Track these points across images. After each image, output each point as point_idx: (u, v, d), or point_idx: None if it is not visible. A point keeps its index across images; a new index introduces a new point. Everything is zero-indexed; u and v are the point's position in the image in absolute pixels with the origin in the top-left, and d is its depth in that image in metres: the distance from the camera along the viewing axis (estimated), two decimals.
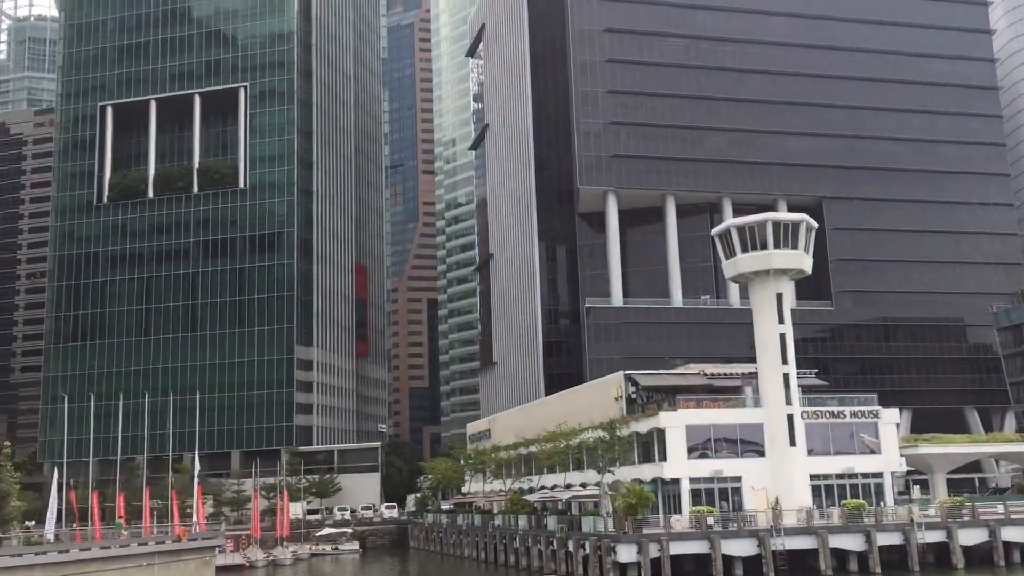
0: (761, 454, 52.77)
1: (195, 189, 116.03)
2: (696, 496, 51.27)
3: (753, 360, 55.83)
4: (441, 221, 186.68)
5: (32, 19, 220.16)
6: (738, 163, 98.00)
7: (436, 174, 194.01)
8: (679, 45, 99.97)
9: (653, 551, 45.02)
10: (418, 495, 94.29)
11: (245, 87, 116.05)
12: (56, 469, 63.62)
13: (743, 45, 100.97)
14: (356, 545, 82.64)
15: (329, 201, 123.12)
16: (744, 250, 54.17)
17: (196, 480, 63.55)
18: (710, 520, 47.20)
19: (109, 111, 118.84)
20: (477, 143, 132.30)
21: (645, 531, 46.67)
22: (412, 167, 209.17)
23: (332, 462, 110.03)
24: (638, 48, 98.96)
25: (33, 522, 68.43)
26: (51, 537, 44.39)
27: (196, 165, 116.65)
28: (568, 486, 60.19)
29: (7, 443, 49.63)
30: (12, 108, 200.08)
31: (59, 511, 55.02)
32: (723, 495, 51.60)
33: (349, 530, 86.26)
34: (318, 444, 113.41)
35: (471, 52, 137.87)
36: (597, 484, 53.28)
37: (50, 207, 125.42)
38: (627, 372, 63.53)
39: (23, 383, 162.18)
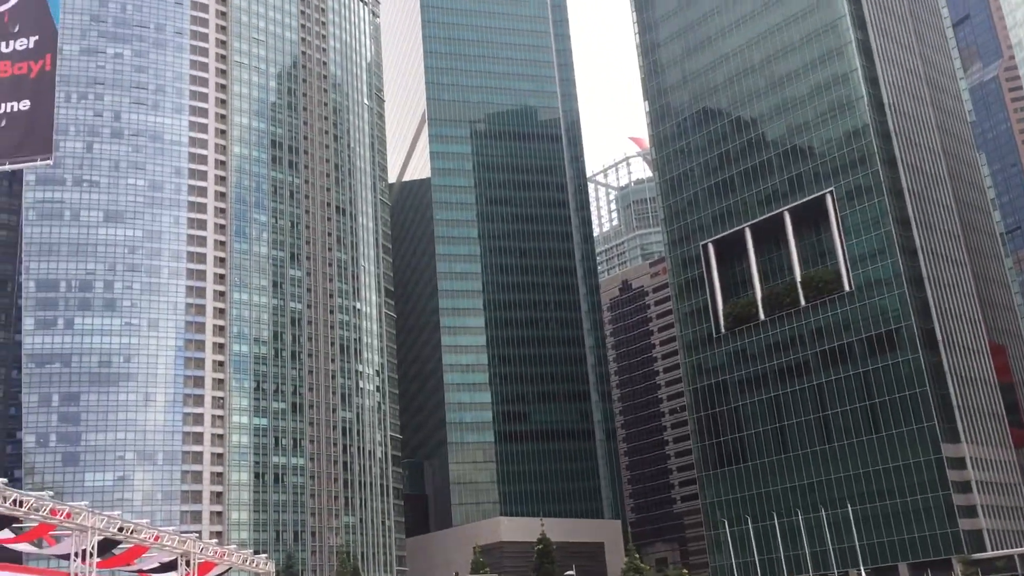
0: None
1: (801, 302, 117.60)
2: None
3: None
4: None
5: (632, 184, 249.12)
6: None
7: None
8: None
9: None
10: None
11: (831, 192, 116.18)
12: None
13: None
14: None
15: (943, 285, 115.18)
16: None
17: None
18: None
19: (711, 248, 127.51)
20: None
21: None
22: None
23: (1014, 568, 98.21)
24: None
25: None
26: None
27: (798, 279, 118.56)
28: None
29: (684, 571, 53.49)
30: (630, 265, 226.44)
31: None
32: None
33: None
34: (992, 550, 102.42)
35: None
36: None
37: (678, 345, 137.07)
38: None
39: (686, 511, 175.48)
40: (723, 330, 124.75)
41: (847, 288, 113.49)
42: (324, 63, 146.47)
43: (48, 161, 19.74)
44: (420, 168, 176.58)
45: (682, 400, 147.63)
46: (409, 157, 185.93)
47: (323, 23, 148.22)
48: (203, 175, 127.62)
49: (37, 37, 20.48)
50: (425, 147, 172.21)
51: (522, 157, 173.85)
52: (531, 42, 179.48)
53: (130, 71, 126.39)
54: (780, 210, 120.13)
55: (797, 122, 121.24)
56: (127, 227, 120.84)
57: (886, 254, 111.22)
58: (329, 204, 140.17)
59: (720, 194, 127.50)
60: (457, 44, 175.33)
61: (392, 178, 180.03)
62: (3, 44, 20.59)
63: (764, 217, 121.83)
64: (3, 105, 19.53)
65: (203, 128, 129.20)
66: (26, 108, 19.69)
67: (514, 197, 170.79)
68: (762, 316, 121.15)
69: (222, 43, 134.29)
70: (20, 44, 20.49)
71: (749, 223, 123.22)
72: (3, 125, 18.98)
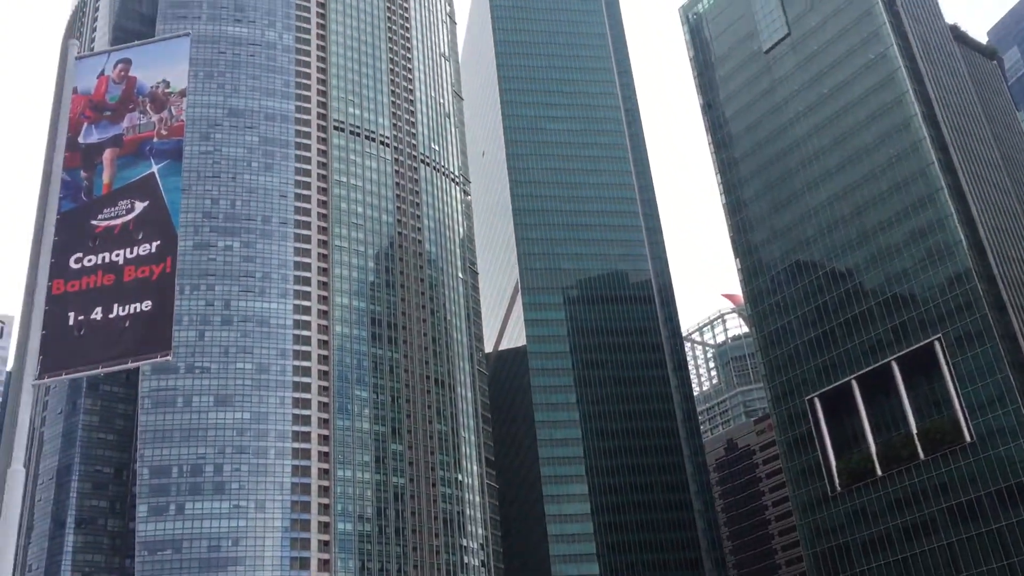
0: None
1: (920, 455, 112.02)
2: None
3: None
4: None
5: (729, 341, 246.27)
6: None
7: None
8: None
9: None
10: None
11: (939, 339, 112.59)
12: None
13: None
14: None
15: None
16: None
17: None
18: None
19: (817, 402, 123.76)
20: None
21: None
22: None
23: None
24: None
25: None
26: None
27: (913, 430, 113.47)
28: None
29: None
30: (734, 423, 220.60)
31: None
32: None
33: None
34: None
35: None
36: None
37: (791, 507, 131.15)
38: None
39: None
40: (838, 488, 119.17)
41: (968, 439, 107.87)
42: (419, 241, 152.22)
43: (168, 357, 20.84)
44: (515, 337, 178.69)
45: (802, 566, 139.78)
46: (504, 327, 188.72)
47: (417, 204, 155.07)
48: (306, 355, 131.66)
49: (159, 242, 21.94)
50: (519, 316, 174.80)
51: (616, 320, 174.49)
52: (618, 208, 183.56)
53: (239, 261, 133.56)
54: (887, 360, 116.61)
55: (895, 270, 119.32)
56: (236, 410, 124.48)
57: (1006, 401, 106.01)
58: (428, 377, 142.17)
59: (822, 347, 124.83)
60: (545, 215, 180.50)
61: (488, 348, 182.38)
62: (127, 250, 22.11)
63: (870, 368, 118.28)
64: (127, 307, 20.80)
65: (306, 310, 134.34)
66: (148, 308, 20.91)
67: (610, 360, 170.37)
68: (879, 472, 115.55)
69: (323, 229, 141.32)
70: (143, 250, 21.97)
71: (855, 375, 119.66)
72: (127, 326, 20.19)
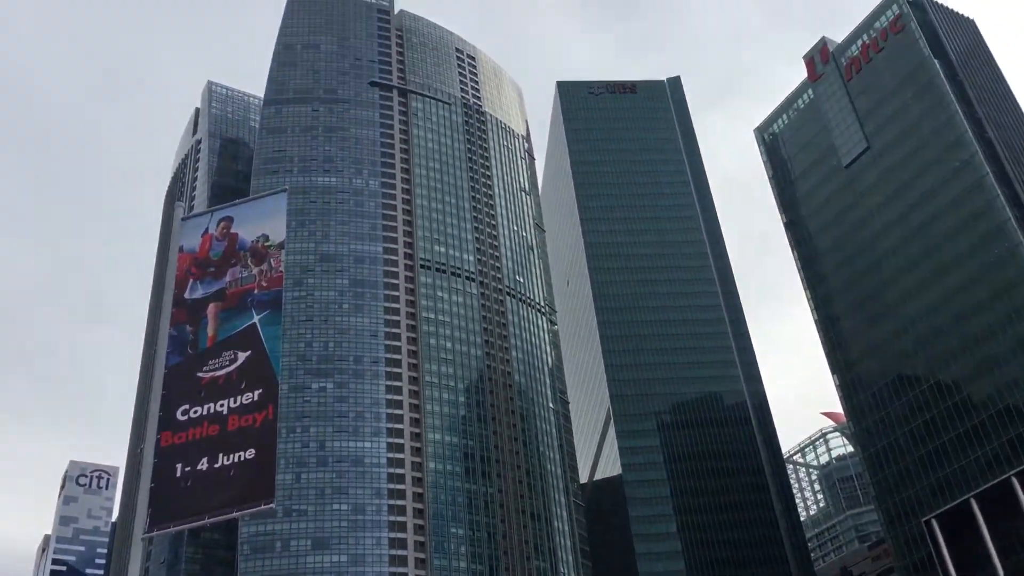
0: None
1: None
2: None
3: None
4: None
5: (833, 461, 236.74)
6: None
7: None
8: None
9: None
10: None
11: None
12: None
13: None
14: None
15: None
16: None
17: None
18: None
19: (935, 524, 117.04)
20: None
21: None
22: None
23: None
24: None
25: None
26: None
27: None
28: None
29: None
30: (846, 549, 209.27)
31: None
32: None
33: None
34: None
35: None
36: None
37: None
38: None
39: None
40: None
41: None
42: (509, 373, 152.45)
43: (271, 504, 21.08)
44: (610, 466, 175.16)
45: None
46: (598, 456, 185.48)
47: (504, 336, 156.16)
48: (401, 494, 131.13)
49: (261, 390, 22.55)
50: (613, 444, 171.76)
51: (713, 444, 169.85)
52: (706, 330, 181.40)
53: (333, 402, 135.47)
54: (1007, 475, 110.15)
55: (1005, 380, 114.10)
56: (333, 553, 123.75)
57: None
58: (524, 511, 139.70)
59: (934, 464, 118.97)
60: (633, 340, 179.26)
61: (583, 478, 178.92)
62: (232, 400, 22.78)
63: (990, 485, 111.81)
64: (232, 456, 21.25)
65: (399, 448, 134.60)
66: (252, 457, 21.32)
67: (710, 486, 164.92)
68: None
69: (414, 366, 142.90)
70: (246, 398, 22.60)
71: (974, 493, 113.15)
72: (232, 475, 20.56)
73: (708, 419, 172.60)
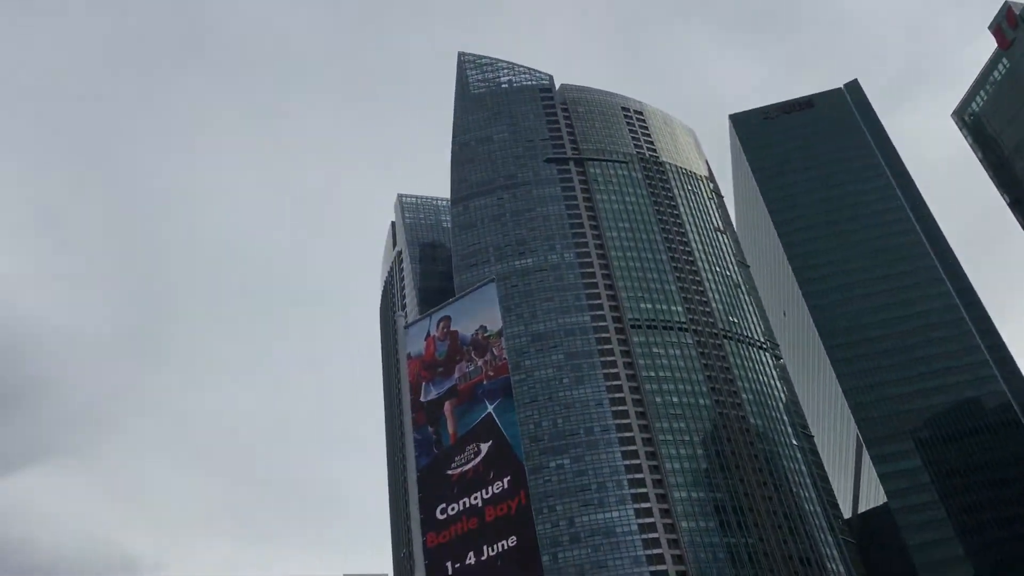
0: None
1: None
2: None
3: None
4: None
5: None
6: None
7: None
8: None
9: None
10: None
11: None
12: None
13: None
14: None
15: None
16: None
17: None
18: None
19: None
20: None
21: None
22: None
23: None
24: None
25: None
26: None
27: None
28: None
29: None
30: None
31: None
32: None
33: None
34: None
35: None
36: None
37: None
38: None
39: None
40: None
41: None
42: (743, 417, 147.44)
43: None
44: (872, 495, 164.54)
45: None
46: (857, 487, 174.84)
47: (730, 380, 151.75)
48: (660, 558, 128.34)
49: (509, 477, 22.85)
50: (871, 471, 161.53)
51: (983, 453, 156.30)
52: (946, 333, 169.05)
53: (572, 476, 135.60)
54: None
55: None
56: None
57: None
58: (791, 557, 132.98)
59: None
60: (867, 360, 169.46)
61: (846, 513, 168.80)
62: (483, 491, 23.19)
63: None
64: (495, 546, 21.55)
65: (647, 512, 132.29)
66: (514, 544, 21.54)
67: (990, 499, 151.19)
68: None
69: (644, 427, 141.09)
70: (497, 488, 22.95)
71: None
72: (500, 565, 20.81)
73: (971, 428, 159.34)
